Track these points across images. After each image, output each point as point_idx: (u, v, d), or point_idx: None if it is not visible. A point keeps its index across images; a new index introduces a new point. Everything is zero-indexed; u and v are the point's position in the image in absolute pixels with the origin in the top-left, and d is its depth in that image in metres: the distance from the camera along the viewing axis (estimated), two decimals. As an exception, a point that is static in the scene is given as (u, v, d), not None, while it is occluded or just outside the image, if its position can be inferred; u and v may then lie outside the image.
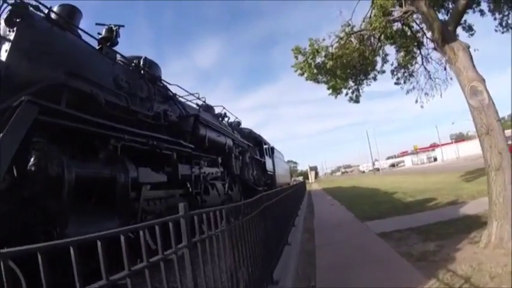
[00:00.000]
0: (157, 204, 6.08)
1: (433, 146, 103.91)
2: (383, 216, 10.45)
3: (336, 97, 12.79)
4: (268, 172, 17.96)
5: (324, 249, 7.07)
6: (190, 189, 7.32)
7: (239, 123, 15.67)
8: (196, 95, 10.13)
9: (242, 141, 12.57)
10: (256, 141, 17.15)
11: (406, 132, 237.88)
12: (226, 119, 13.23)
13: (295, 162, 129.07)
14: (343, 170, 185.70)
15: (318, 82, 10.58)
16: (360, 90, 13.11)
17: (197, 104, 10.12)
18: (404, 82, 12.61)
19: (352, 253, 6.49)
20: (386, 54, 12.23)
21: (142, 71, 7.09)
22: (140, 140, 5.67)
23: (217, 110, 12.41)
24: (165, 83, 8.17)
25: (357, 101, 13.42)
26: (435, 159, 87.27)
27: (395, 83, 12.70)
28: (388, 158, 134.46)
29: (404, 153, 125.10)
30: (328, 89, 10.94)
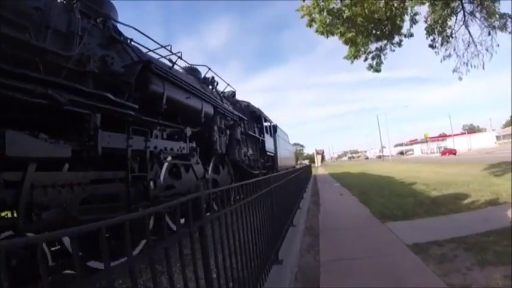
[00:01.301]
0: (67, 193, 3.70)
1: (443, 136, 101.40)
2: (409, 216, 8.10)
3: (352, 61, 10.36)
4: (268, 153, 15.51)
5: (331, 272, 4.68)
6: (136, 170, 4.94)
7: (233, 93, 13.18)
8: (169, 47, 7.56)
9: (232, 112, 10.07)
10: (254, 117, 14.67)
11: (416, 122, 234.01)
12: (218, 87, 10.80)
13: (302, 145, 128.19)
14: (349, 155, 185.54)
15: (332, 34, 8.04)
16: (382, 57, 10.67)
17: (170, 60, 7.59)
18: (442, 44, 10.04)
19: (376, 283, 4.14)
20: (416, 14, 9.76)
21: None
22: (21, 87, 3.23)
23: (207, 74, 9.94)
24: (114, 23, 5.75)
25: (377, 69, 11.03)
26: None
27: (430, 46, 10.15)
28: (396, 146, 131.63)
29: (413, 141, 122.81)
30: (345, 43, 8.38)
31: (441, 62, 10.72)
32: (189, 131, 6.84)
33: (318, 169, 54.98)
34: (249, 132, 12.13)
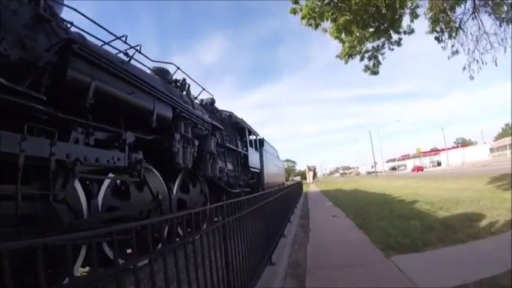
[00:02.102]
0: None
1: (435, 151, 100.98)
2: (419, 246, 6.57)
3: (346, 61, 8.97)
4: (253, 169, 13.85)
5: None
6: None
7: (212, 100, 11.60)
8: (123, 39, 5.98)
9: (203, 119, 8.43)
10: (237, 129, 13.06)
11: (407, 137, 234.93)
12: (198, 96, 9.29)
13: (293, 162, 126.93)
14: (341, 172, 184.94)
15: (322, 20, 6.55)
16: (380, 57, 9.28)
17: (126, 54, 6.01)
18: (450, 37, 8.66)
19: None
20: (417, 6, 8.46)
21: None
22: None
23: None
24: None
25: (374, 71, 9.72)
26: (439, 164, 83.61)
27: (436, 38, 8.79)
28: (388, 161, 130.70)
29: (405, 157, 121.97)
30: (338, 32, 6.93)
31: (449, 59, 9.48)
32: (130, 137, 5.12)
33: (310, 186, 53.32)
34: (229, 145, 10.49)
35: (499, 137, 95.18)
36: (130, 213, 5.46)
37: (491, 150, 74.98)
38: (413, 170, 70.25)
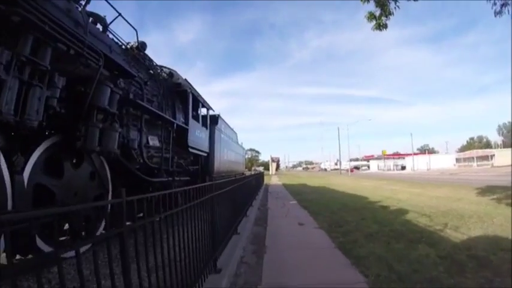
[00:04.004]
0: None
1: (399, 155, 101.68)
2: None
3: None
4: (195, 150, 10.11)
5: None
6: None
7: (142, 44, 7.89)
8: None
9: (90, 46, 4.69)
10: (178, 93, 9.32)
11: (370, 138, 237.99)
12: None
13: (257, 152, 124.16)
14: (304, 166, 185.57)
15: None
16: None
17: None
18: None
19: None
20: None
21: None
22: None
23: None
24: None
25: (380, 24, 6.48)
26: (403, 168, 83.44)
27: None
28: (351, 160, 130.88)
29: (369, 157, 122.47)
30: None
31: (495, 16, 6.82)
32: None
33: (272, 178, 50.18)
34: (147, 106, 6.73)
35: (463, 149, 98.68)
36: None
37: (457, 160, 76.31)
38: (351, 170, 72.02)
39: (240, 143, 25.93)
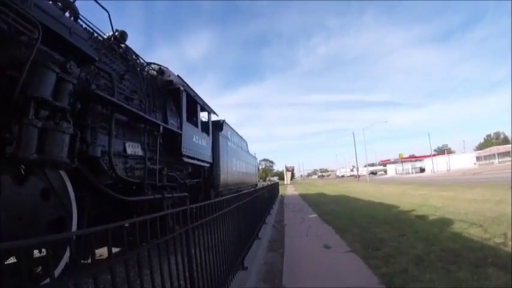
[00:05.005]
0: None
1: (417, 157, 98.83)
2: None
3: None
4: (196, 161, 8.47)
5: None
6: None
7: (123, 33, 6.46)
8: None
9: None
10: (170, 92, 7.75)
11: (385, 143, 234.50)
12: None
13: (271, 162, 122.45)
14: (319, 174, 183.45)
15: None
16: None
17: None
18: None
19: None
20: None
21: None
22: None
23: None
24: None
25: None
26: (422, 170, 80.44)
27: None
28: (367, 166, 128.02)
29: (385, 162, 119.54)
30: None
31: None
32: None
33: (287, 188, 48.17)
34: (122, 103, 5.18)
35: (481, 146, 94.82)
36: None
37: (478, 158, 73.09)
38: (356, 176, 72.26)
39: (253, 153, 24.22)
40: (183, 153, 7.25)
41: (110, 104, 4.99)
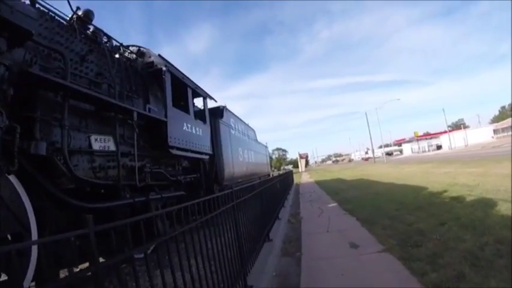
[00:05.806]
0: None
1: (432, 134, 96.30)
2: None
3: None
4: (190, 153, 7.23)
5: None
6: None
7: (88, 12, 5.30)
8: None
9: None
10: (152, 76, 6.53)
11: (397, 122, 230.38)
12: None
13: (284, 150, 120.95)
14: (334, 159, 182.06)
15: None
16: None
17: None
18: None
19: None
20: None
21: None
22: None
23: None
24: None
25: None
26: (439, 147, 78.13)
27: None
28: (382, 146, 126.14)
29: (400, 141, 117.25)
30: None
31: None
32: None
33: (302, 175, 46.82)
34: (78, 87, 4.04)
35: (496, 119, 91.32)
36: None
37: (495, 131, 70.02)
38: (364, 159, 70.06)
39: (264, 142, 22.95)
40: (171, 144, 6.03)
41: (61, 89, 3.85)
